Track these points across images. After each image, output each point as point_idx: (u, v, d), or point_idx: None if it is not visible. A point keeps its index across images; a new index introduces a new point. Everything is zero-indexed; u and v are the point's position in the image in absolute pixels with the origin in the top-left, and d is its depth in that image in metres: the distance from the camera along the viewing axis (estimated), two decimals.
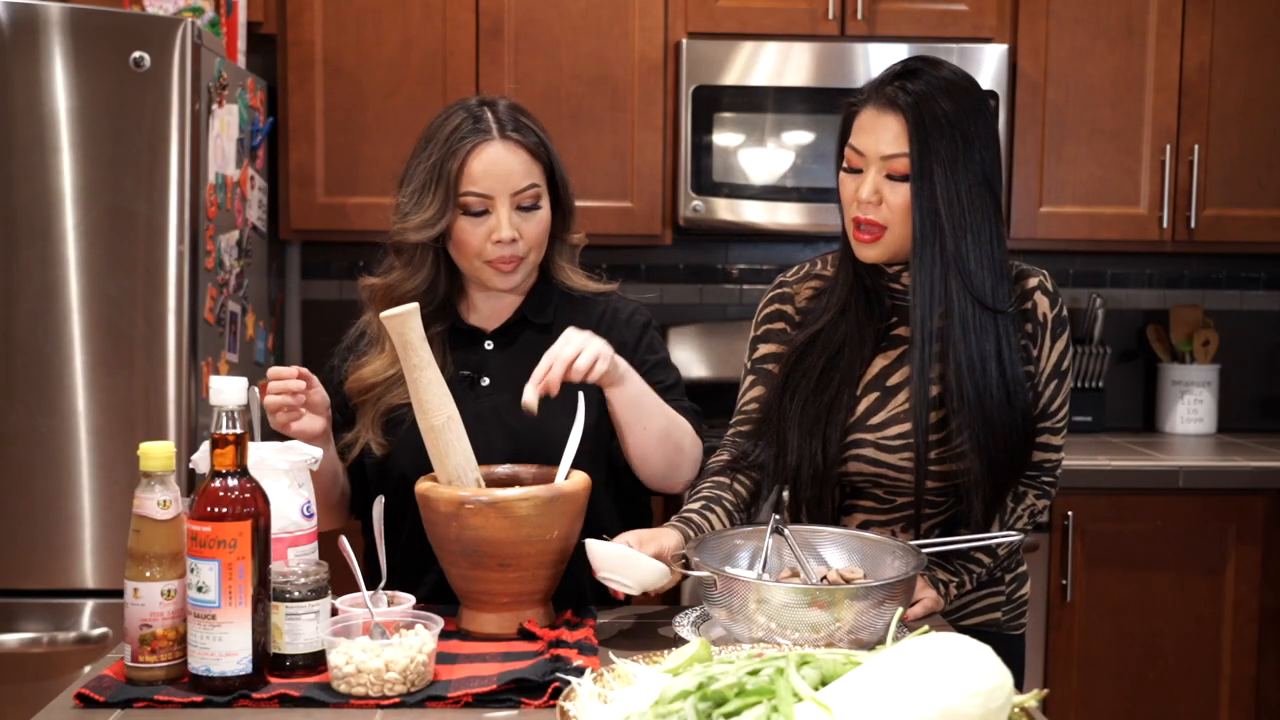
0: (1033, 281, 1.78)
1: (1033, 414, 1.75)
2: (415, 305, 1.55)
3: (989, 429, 1.70)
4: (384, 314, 1.54)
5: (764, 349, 1.88)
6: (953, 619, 1.86)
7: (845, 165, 1.74)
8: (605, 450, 1.82)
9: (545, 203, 1.81)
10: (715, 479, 1.81)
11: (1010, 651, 1.87)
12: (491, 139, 1.76)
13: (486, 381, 1.84)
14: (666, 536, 1.62)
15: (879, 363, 1.80)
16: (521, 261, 1.80)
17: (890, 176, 1.69)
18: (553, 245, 1.87)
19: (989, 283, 1.70)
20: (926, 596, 1.69)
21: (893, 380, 1.79)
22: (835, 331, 1.79)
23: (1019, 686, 1.92)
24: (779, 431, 1.79)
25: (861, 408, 1.78)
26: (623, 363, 1.67)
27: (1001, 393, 1.70)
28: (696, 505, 1.74)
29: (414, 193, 1.77)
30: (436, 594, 1.74)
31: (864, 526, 1.80)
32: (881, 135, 1.69)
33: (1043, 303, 1.78)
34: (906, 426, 1.75)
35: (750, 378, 1.88)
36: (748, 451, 1.82)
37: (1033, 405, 1.76)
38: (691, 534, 1.67)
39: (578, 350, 1.60)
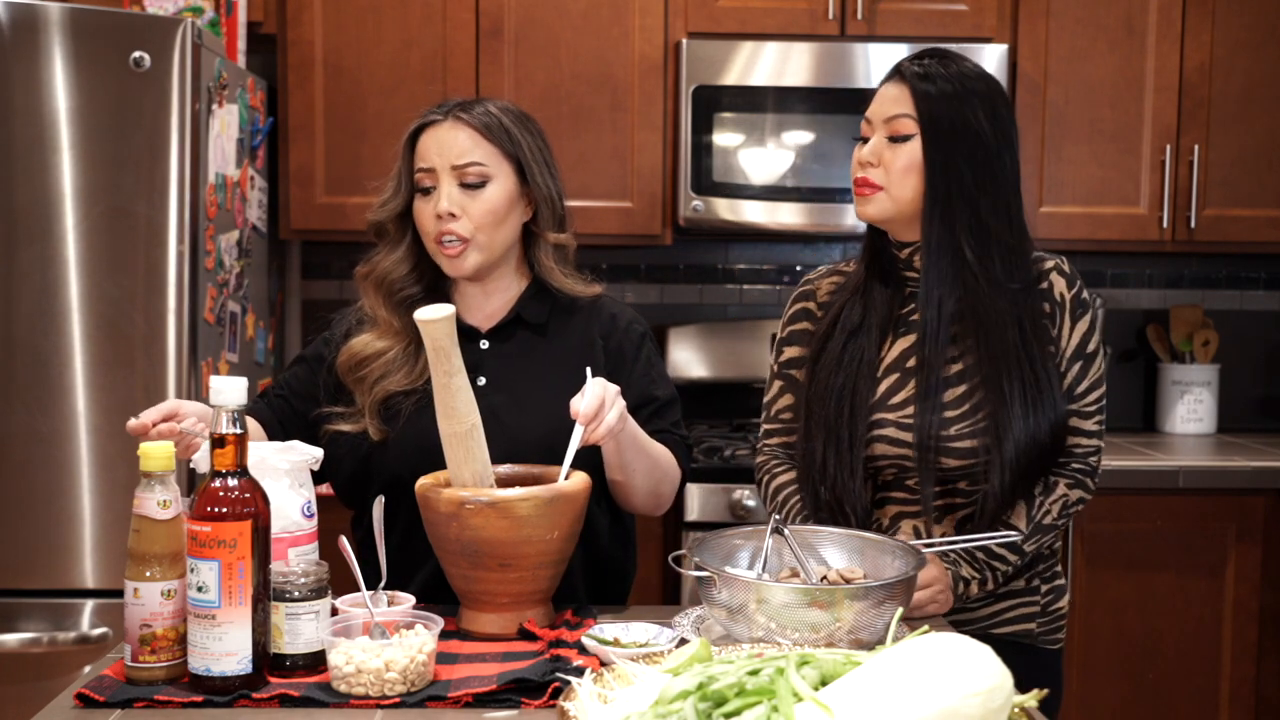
0: (1049, 263, 1.81)
1: (1057, 393, 1.74)
2: (452, 310, 1.51)
3: (1009, 404, 1.70)
4: (420, 319, 1.50)
5: (789, 352, 1.91)
6: (983, 627, 1.82)
7: (858, 137, 1.82)
8: (595, 460, 1.81)
9: (498, 186, 1.81)
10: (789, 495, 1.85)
11: (1047, 666, 1.84)
12: (441, 119, 1.83)
13: (483, 381, 1.83)
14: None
15: (899, 345, 1.82)
16: (468, 245, 1.80)
17: (892, 139, 1.76)
18: (534, 242, 1.87)
19: (1001, 257, 1.74)
20: (932, 586, 1.68)
21: (912, 363, 1.80)
22: (852, 312, 1.83)
23: (1056, 703, 1.90)
24: (805, 416, 1.82)
25: (882, 389, 1.80)
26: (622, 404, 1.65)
27: (1023, 366, 1.71)
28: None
29: (389, 178, 1.87)
30: (430, 590, 1.74)
31: (897, 519, 1.81)
32: (885, 99, 1.77)
33: (1059, 283, 1.79)
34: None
35: (778, 383, 1.91)
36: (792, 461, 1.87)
37: (1057, 385, 1.75)
38: None
39: (601, 403, 1.58)
